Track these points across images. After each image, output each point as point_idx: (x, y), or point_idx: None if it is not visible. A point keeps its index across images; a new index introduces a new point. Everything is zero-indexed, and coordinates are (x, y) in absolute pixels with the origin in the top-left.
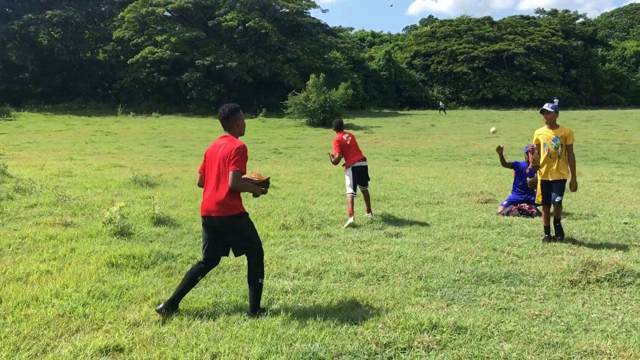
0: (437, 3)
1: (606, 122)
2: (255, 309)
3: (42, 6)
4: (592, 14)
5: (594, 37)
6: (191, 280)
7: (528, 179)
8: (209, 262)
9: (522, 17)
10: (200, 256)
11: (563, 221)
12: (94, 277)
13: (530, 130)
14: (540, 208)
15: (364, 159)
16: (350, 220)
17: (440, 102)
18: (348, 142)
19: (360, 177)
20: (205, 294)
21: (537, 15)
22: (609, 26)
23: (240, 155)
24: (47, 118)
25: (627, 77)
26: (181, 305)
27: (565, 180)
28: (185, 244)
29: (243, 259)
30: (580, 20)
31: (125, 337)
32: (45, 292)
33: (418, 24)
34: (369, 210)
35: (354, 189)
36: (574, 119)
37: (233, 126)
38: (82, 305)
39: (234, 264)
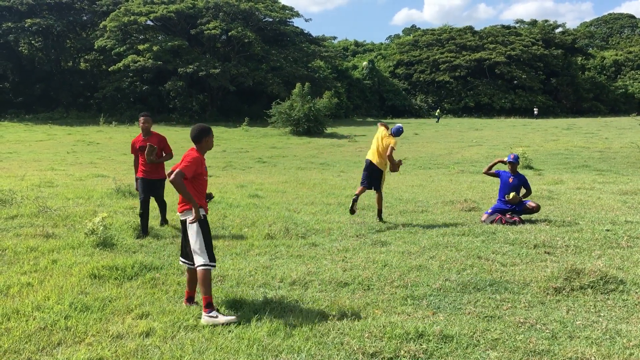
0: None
1: (587, 130)
2: None
3: (22, 15)
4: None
5: (574, 46)
6: None
7: (506, 196)
8: None
9: (503, 26)
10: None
11: (546, 228)
12: (76, 289)
13: (512, 138)
14: (523, 217)
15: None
16: None
17: (437, 112)
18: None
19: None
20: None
21: (518, 25)
22: (588, 35)
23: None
24: (28, 128)
25: (606, 86)
26: (165, 317)
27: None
28: (169, 254)
29: (227, 270)
30: (560, 29)
31: (109, 350)
32: (26, 304)
33: (401, 34)
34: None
35: None
36: (554, 127)
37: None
38: (64, 318)
39: (219, 275)
